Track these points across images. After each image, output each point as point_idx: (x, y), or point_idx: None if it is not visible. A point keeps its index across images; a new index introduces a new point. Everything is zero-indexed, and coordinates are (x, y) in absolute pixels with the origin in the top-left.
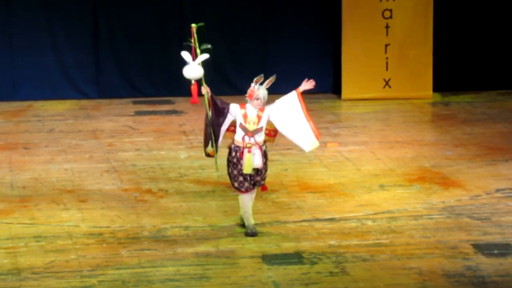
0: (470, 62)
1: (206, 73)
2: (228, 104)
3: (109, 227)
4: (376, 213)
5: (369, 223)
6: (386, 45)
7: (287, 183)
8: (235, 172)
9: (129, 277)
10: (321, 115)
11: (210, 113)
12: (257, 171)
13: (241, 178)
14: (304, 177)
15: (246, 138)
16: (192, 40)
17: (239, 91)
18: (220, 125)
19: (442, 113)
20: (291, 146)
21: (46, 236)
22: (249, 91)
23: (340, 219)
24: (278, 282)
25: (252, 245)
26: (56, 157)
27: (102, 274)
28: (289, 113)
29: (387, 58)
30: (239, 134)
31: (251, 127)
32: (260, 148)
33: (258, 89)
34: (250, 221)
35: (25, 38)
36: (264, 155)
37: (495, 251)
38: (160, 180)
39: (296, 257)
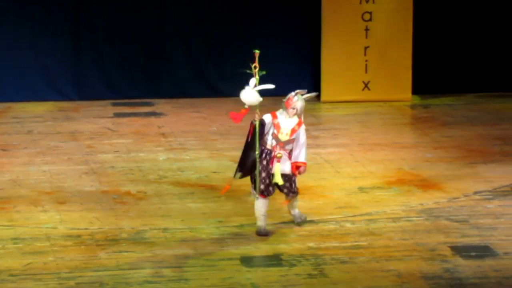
0: (450, 65)
1: (186, 75)
2: (265, 124)
3: (87, 229)
4: (355, 215)
5: (348, 225)
6: (365, 48)
7: None
8: (264, 174)
9: (107, 279)
10: None
11: (257, 144)
12: (284, 178)
13: (267, 181)
14: None
15: (277, 147)
16: (254, 66)
17: (219, 92)
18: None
19: (422, 115)
20: None
21: (24, 238)
22: (287, 98)
23: (319, 221)
24: (257, 284)
25: (231, 247)
26: (34, 159)
27: (80, 276)
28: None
29: (366, 61)
30: (270, 141)
31: (283, 137)
32: (289, 155)
33: (298, 100)
34: (264, 223)
35: (5, 39)
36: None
37: (473, 253)
38: (139, 182)
39: (275, 259)
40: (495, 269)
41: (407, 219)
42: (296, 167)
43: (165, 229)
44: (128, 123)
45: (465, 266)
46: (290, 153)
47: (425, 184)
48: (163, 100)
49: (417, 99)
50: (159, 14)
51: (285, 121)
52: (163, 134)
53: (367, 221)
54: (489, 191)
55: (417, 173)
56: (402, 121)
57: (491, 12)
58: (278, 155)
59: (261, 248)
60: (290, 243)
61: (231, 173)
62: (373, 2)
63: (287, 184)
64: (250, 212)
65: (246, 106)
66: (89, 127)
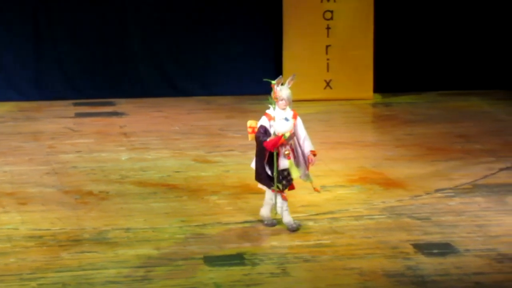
0: (411, 64)
1: (148, 74)
2: (268, 131)
3: (49, 229)
4: (317, 214)
5: (311, 223)
6: (327, 46)
7: (229, 184)
8: (274, 173)
9: (70, 280)
10: None
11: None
12: (287, 172)
13: (280, 177)
14: (246, 179)
15: (282, 146)
16: (274, 97)
17: (181, 92)
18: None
19: (383, 113)
20: (233, 147)
21: None
22: (272, 92)
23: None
24: (220, 284)
25: (193, 247)
26: None
27: (42, 277)
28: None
29: (328, 59)
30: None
31: (285, 134)
32: (292, 150)
33: (281, 90)
34: (271, 214)
35: None
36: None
37: (435, 251)
38: (101, 182)
39: (238, 258)
40: (456, 266)
41: (370, 217)
42: (314, 155)
43: (127, 229)
44: (90, 123)
45: (427, 264)
46: (291, 147)
47: (387, 182)
48: (124, 100)
49: (378, 98)
50: (120, 13)
51: (280, 118)
52: (125, 134)
53: (330, 219)
54: (450, 188)
55: (379, 172)
56: (364, 120)
57: (451, 11)
58: (286, 152)
59: (224, 248)
60: (253, 242)
61: (193, 173)
62: (334, 1)
63: (290, 177)
64: (212, 211)
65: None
66: (50, 127)
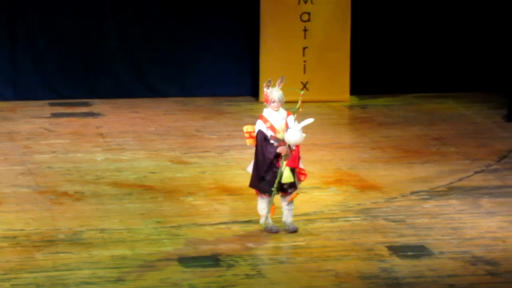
0: (387, 66)
1: (124, 75)
2: (268, 138)
3: (23, 230)
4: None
5: None
6: (304, 48)
7: (204, 185)
8: (269, 176)
9: (44, 281)
10: (239, 118)
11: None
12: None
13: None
14: (222, 180)
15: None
16: (299, 107)
17: (158, 92)
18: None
19: (360, 116)
20: (209, 148)
21: None
22: (264, 96)
23: (257, 222)
24: (194, 285)
25: (168, 248)
26: None
27: (16, 278)
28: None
29: (305, 61)
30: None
31: (281, 136)
32: (291, 151)
33: (271, 92)
34: (271, 220)
35: None
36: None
37: (410, 253)
38: (76, 182)
39: (213, 260)
40: (431, 268)
41: (345, 219)
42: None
43: (102, 230)
44: (65, 124)
45: (402, 266)
46: (289, 147)
47: (363, 185)
48: (101, 100)
49: (355, 100)
50: (97, 14)
51: (276, 119)
52: (101, 135)
53: (305, 221)
54: (425, 191)
55: (355, 173)
56: (340, 122)
57: (428, 14)
58: (284, 154)
59: (199, 249)
60: (228, 244)
61: (169, 174)
62: (312, 3)
63: (292, 178)
64: (188, 212)
65: (293, 147)
66: (26, 127)
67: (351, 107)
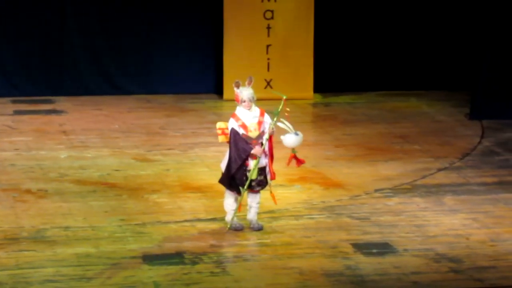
0: (351, 64)
1: (87, 72)
2: (242, 137)
3: None
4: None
5: None
6: (267, 46)
7: (168, 183)
8: (239, 174)
9: (7, 279)
10: (203, 115)
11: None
12: (259, 172)
13: (244, 179)
14: (186, 177)
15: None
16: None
17: (121, 90)
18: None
19: (323, 113)
20: (173, 146)
21: None
22: (235, 96)
23: (221, 219)
24: (159, 282)
25: (133, 245)
26: None
27: None
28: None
29: (268, 59)
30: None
31: (253, 134)
32: (264, 150)
33: (241, 92)
34: (235, 218)
35: None
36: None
37: (374, 250)
38: (39, 180)
39: (177, 257)
40: (395, 265)
41: (309, 216)
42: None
43: (66, 228)
44: (28, 121)
45: (366, 263)
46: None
47: (327, 182)
48: (63, 98)
49: (318, 98)
50: (59, 10)
51: (248, 118)
52: (64, 132)
53: (270, 218)
54: (389, 189)
55: (319, 171)
56: (303, 119)
57: (390, 12)
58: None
59: (163, 246)
60: (193, 241)
61: (132, 171)
62: (275, 1)
63: (261, 177)
64: (152, 210)
65: (295, 151)
66: None
67: (314, 104)
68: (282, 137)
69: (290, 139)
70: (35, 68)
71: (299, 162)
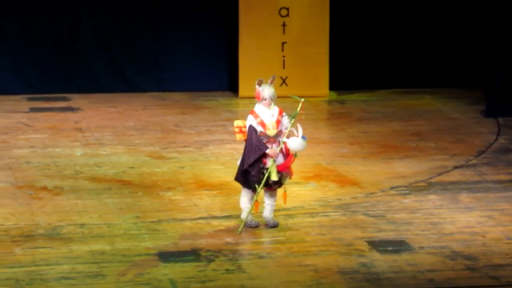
0: (366, 61)
1: (102, 69)
2: (259, 135)
3: (2, 225)
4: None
5: None
6: (283, 43)
7: (183, 180)
8: (255, 172)
9: (23, 276)
10: (217, 113)
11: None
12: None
13: (260, 178)
14: (201, 175)
15: (270, 144)
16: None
17: (135, 87)
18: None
19: (338, 111)
20: (187, 143)
21: None
22: (255, 93)
23: (236, 217)
24: (174, 280)
25: (148, 243)
26: None
27: None
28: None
29: (284, 56)
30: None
31: (271, 132)
32: (281, 150)
33: (263, 89)
34: (251, 215)
35: None
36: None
37: (389, 248)
38: (55, 177)
39: (193, 255)
40: (410, 263)
41: (324, 214)
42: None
43: (81, 225)
44: (43, 118)
45: (381, 261)
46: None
47: (342, 180)
48: (78, 95)
49: (333, 95)
50: (74, 9)
51: (266, 116)
52: (79, 129)
53: (285, 216)
54: (404, 186)
55: (334, 169)
56: (318, 117)
57: (406, 10)
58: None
59: (179, 244)
60: (208, 239)
61: (147, 169)
62: None
63: (279, 175)
64: (167, 207)
65: (296, 155)
66: (3, 122)
67: (329, 102)
68: (285, 139)
69: (295, 143)
70: (51, 66)
71: (286, 165)
